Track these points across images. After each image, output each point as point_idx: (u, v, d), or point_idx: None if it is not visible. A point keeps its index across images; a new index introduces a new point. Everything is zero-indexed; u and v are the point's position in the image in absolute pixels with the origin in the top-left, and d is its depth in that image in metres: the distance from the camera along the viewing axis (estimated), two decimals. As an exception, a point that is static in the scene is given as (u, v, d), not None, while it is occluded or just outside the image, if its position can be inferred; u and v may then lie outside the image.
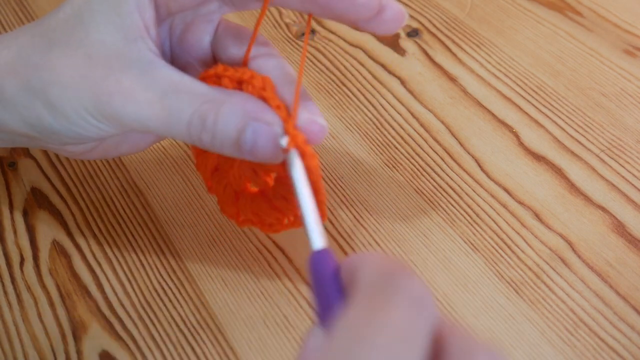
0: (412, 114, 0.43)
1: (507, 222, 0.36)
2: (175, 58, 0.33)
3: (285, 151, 0.27)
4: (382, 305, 0.19)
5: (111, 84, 0.28)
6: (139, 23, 0.29)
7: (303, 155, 0.27)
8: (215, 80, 0.29)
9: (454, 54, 0.47)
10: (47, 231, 0.38)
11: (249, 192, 0.33)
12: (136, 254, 0.36)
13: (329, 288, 0.23)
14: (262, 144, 0.27)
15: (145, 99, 0.28)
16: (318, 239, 0.24)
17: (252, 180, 0.32)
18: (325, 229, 0.37)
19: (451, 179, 0.39)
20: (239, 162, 0.31)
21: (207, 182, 0.34)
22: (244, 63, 0.31)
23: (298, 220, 0.32)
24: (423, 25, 0.50)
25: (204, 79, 0.30)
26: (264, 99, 0.28)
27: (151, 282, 0.35)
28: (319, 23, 0.50)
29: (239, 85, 0.29)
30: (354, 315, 0.19)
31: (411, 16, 0.51)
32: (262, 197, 0.32)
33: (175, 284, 0.35)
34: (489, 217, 0.37)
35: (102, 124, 0.29)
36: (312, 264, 0.24)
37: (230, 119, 0.27)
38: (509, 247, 0.35)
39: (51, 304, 0.34)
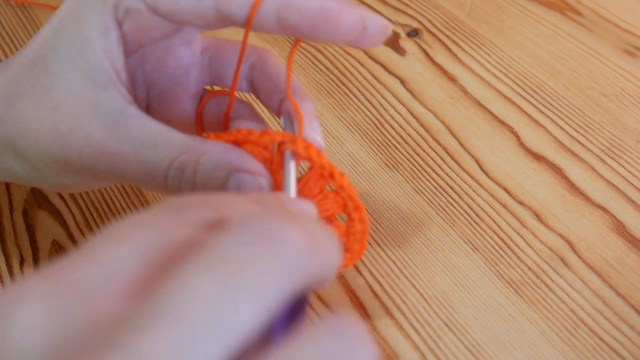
0: (412, 114, 0.43)
1: (507, 222, 0.36)
2: (151, 84, 0.31)
3: (283, 148, 0.27)
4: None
5: (80, 139, 0.26)
6: (108, 69, 0.27)
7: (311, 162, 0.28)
8: (233, 142, 0.28)
9: (454, 54, 0.47)
10: (47, 231, 0.38)
11: None
12: (136, 254, 0.36)
13: None
14: None
15: (120, 154, 0.26)
16: None
17: None
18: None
19: (451, 179, 0.39)
20: None
21: None
22: (232, 85, 0.30)
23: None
24: (423, 25, 0.50)
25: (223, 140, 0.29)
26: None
27: (151, 282, 0.35)
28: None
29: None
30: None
31: (411, 16, 0.51)
32: None
33: (175, 284, 0.35)
34: (489, 217, 0.37)
35: (76, 175, 0.28)
36: None
37: (210, 169, 0.26)
38: (509, 247, 0.35)
39: (51, 304, 0.34)
